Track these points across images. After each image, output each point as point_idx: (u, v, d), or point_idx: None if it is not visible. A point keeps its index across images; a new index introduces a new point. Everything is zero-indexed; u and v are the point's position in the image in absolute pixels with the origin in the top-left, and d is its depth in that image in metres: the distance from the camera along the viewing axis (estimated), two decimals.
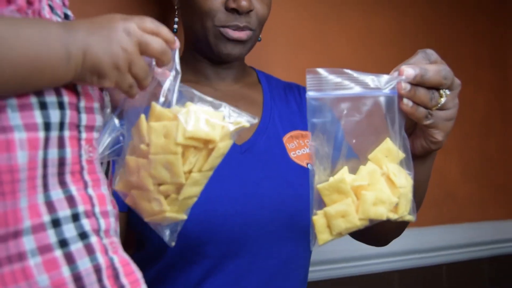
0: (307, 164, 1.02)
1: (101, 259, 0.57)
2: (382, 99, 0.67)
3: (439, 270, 1.70)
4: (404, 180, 0.66)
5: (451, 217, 1.72)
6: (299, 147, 1.04)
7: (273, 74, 1.24)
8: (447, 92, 0.70)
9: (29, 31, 0.51)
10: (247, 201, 0.94)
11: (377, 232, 0.97)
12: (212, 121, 0.60)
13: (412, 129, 0.76)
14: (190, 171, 0.61)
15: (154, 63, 0.61)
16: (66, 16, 0.66)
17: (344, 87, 0.66)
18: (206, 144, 0.60)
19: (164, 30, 0.61)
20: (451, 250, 1.71)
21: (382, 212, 0.64)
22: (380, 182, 0.65)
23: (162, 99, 0.62)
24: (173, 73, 0.63)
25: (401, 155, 0.67)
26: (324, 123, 0.67)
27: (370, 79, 0.66)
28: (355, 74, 0.66)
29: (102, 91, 0.66)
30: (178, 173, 0.60)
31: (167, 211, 0.62)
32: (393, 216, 0.65)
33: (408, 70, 0.67)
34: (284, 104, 1.11)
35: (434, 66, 0.68)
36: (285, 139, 1.04)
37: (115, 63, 0.56)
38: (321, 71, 0.67)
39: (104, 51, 0.55)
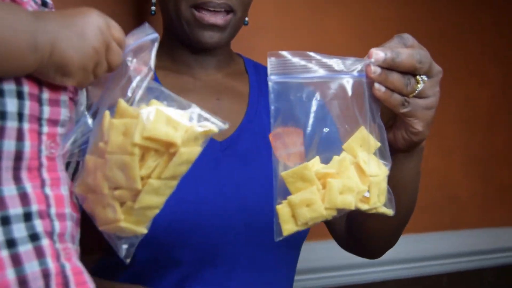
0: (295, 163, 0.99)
1: (51, 265, 0.57)
2: (347, 83, 0.67)
3: (439, 280, 1.70)
4: (376, 169, 0.66)
5: (452, 222, 1.73)
6: None
7: (263, 60, 1.21)
8: (425, 78, 0.70)
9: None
10: (225, 203, 0.91)
11: (367, 240, 0.96)
12: (175, 121, 0.58)
13: (393, 120, 0.76)
14: (149, 177, 0.59)
15: (129, 58, 0.62)
16: (44, 3, 0.66)
17: (309, 70, 0.67)
18: (167, 148, 0.58)
19: (124, 45, 0.63)
20: (452, 258, 1.71)
21: (350, 201, 0.64)
22: (348, 170, 0.65)
23: (129, 95, 0.61)
24: (145, 69, 0.62)
25: (377, 144, 0.67)
26: (289, 108, 0.67)
27: (335, 62, 0.67)
28: (320, 57, 0.67)
29: (77, 89, 0.67)
30: (133, 176, 0.58)
31: (121, 221, 0.60)
32: (364, 207, 0.65)
33: (378, 53, 0.66)
34: None
35: (408, 50, 0.68)
36: (272, 135, 1.00)
37: (84, 63, 0.58)
38: (284, 53, 0.67)
39: (74, 49, 0.56)
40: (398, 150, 0.74)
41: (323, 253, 1.46)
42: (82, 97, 0.67)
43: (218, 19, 0.95)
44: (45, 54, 0.55)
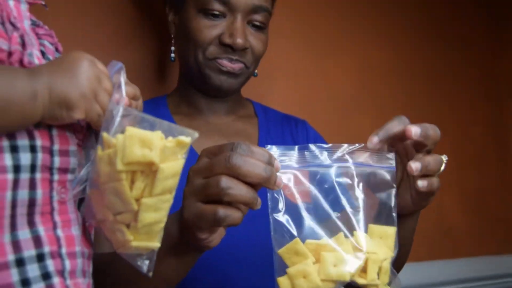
0: (302, 202, 1.01)
1: None
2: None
3: None
4: (375, 247, 0.67)
5: (450, 251, 1.72)
6: None
7: (271, 105, 1.24)
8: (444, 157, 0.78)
9: None
10: (237, 238, 0.92)
11: None
12: (149, 142, 0.57)
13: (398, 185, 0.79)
14: (142, 196, 0.59)
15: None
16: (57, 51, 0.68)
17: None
18: (149, 167, 0.58)
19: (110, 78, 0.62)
20: (449, 285, 1.69)
21: (344, 273, 0.65)
22: (343, 244, 0.67)
23: (116, 123, 0.60)
24: (120, 99, 0.61)
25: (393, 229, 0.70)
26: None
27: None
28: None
29: (88, 132, 0.67)
30: (127, 200, 0.58)
31: (132, 241, 0.61)
32: (361, 281, 0.66)
33: (413, 129, 0.73)
34: (279, 137, 1.11)
35: (426, 127, 0.74)
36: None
37: (81, 91, 0.57)
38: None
39: (69, 82, 0.57)
40: (405, 212, 0.78)
41: None
42: (91, 142, 0.67)
43: (235, 66, 0.99)
44: (45, 97, 0.56)
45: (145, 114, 0.60)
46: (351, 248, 0.66)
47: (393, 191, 0.71)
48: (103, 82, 0.60)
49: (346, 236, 0.68)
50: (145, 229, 0.60)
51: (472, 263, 1.73)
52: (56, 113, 0.57)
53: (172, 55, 1.10)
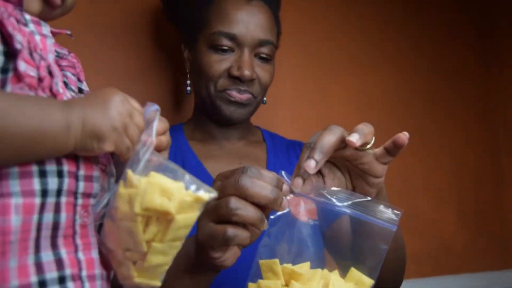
0: (308, 219, 1.03)
1: None
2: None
3: None
4: None
5: (449, 267, 1.73)
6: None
7: (280, 130, 1.30)
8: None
9: (31, 106, 0.54)
10: (250, 259, 0.90)
11: None
12: (169, 192, 0.58)
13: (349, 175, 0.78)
14: (153, 240, 0.60)
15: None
16: (80, 90, 0.70)
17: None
18: (164, 216, 0.59)
19: (142, 114, 0.64)
20: None
21: None
22: (315, 281, 0.67)
23: (141, 165, 0.61)
24: (149, 140, 0.62)
25: (370, 281, 0.70)
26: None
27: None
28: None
29: (110, 161, 0.68)
30: (138, 241, 0.59)
31: (135, 277, 0.62)
32: None
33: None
34: (286, 160, 1.15)
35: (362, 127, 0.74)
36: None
37: (112, 124, 0.59)
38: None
39: (101, 116, 0.58)
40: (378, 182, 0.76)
41: None
42: (113, 168, 0.68)
43: (243, 97, 1.04)
44: (78, 129, 0.57)
45: (170, 162, 0.61)
46: (321, 286, 0.67)
47: (385, 250, 0.70)
48: (135, 118, 0.61)
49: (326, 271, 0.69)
50: (151, 269, 0.61)
51: (472, 279, 1.73)
52: (87, 145, 0.58)
53: (188, 88, 1.16)
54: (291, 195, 0.71)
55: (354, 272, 0.70)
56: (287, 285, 0.68)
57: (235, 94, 1.04)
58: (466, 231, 1.79)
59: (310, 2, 1.62)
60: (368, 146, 0.72)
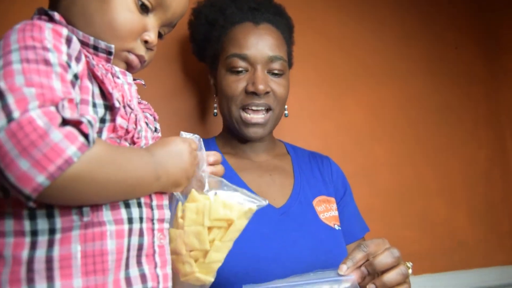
0: (334, 224, 1.10)
1: None
2: None
3: None
4: None
5: (461, 263, 1.75)
6: (326, 210, 1.13)
7: (300, 141, 1.35)
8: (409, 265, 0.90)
9: (135, 158, 0.63)
10: (286, 258, 0.99)
11: None
12: (230, 205, 0.71)
13: None
14: (214, 240, 0.72)
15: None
16: (155, 130, 0.79)
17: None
18: (227, 223, 0.72)
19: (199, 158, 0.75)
20: None
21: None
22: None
23: (206, 187, 0.75)
24: (205, 166, 0.75)
25: None
26: None
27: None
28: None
29: None
30: (204, 241, 0.71)
31: (197, 272, 0.72)
32: None
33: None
34: (309, 172, 1.21)
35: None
36: (314, 202, 1.13)
37: (188, 176, 0.71)
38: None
39: (180, 171, 0.69)
40: None
41: None
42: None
43: (260, 118, 1.09)
44: (165, 180, 0.67)
45: (228, 183, 0.75)
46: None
47: None
48: (196, 158, 0.73)
49: None
50: (208, 265, 0.72)
51: (482, 274, 1.75)
52: (167, 190, 0.70)
53: (215, 111, 1.24)
54: None
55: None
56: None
57: (250, 118, 1.09)
58: (477, 229, 1.81)
59: (325, 23, 1.67)
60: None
